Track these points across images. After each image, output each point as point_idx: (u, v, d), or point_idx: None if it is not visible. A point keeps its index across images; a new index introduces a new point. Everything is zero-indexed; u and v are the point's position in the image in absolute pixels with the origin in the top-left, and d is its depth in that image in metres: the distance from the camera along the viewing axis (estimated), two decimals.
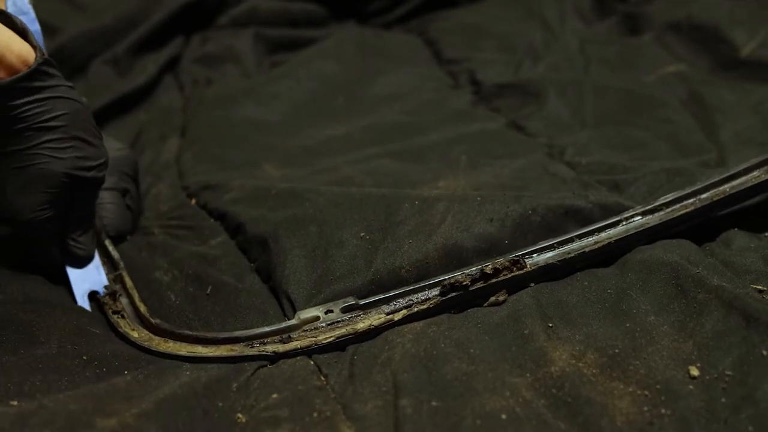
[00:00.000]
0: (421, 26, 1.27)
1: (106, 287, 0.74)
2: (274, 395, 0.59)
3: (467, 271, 0.68)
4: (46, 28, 1.12)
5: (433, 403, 0.56)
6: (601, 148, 0.90)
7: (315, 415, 0.56)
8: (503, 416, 0.55)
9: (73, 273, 0.75)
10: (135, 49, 1.13)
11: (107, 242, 0.78)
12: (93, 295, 0.74)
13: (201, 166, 0.93)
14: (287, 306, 0.71)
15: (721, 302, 0.62)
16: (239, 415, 0.57)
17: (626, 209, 0.74)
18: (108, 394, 0.58)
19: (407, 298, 0.68)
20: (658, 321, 0.63)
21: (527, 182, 0.83)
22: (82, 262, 0.75)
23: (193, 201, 0.88)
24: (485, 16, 1.26)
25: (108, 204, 0.80)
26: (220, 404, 0.59)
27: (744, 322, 0.60)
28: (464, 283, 0.67)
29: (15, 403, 0.57)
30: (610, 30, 1.19)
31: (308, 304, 0.70)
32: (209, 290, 0.73)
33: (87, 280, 0.74)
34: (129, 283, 0.74)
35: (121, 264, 0.76)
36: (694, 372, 0.58)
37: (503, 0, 1.31)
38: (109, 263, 0.77)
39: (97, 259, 0.76)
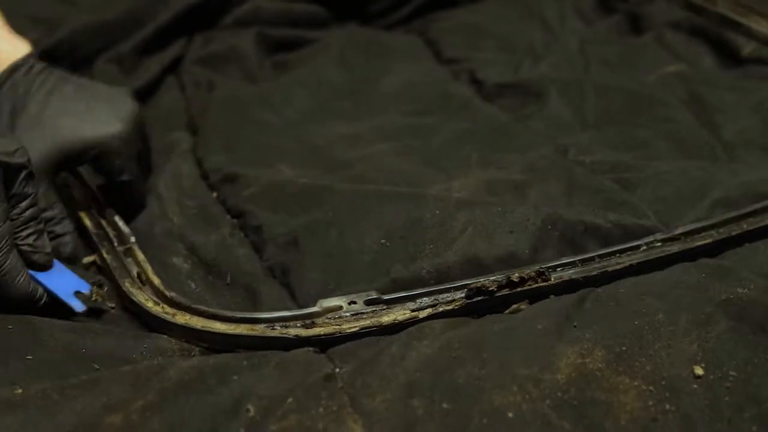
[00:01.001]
0: (421, 26, 1.27)
1: (92, 283, 0.71)
2: (282, 385, 0.58)
3: (493, 277, 0.68)
4: (45, 23, 1.12)
5: (445, 405, 0.56)
6: (602, 147, 0.91)
7: (321, 409, 0.56)
8: (510, 414, 0.55)
9: (45, 278, 0.69)
10: (141, 49, 1.13)
11: (116, 217, 0.77)
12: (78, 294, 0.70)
13: (218, 162, 0.93)
14: (304, 306, 0.70)
15: (728, 315, 0.63)
16: (248, 406, 0.57)
17: (645, 231, 0.75)
18: (114, 383, 0.58)
19: (432, 298, 0.68)
20: (666, 320, 0.63)
21: (538, 179, 0.84)
22: (44, 268, 0.69)
23: (215, 194, 0.88)
24: (485, 16, 1.26)
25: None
26: (232, 378, 0.58)
27: (750, 332, 0.61)
28: (490, 288, 0.67)
29: (20, 390, 0.57)
30: (611, 30, 1.19)
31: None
32: (228, 280, 0.73)
33: (64, 282, 0.70)
34: (141, 256, 0.73)
35: (132, 238, 0.75)
36: (699, 371, 0.58)
37: (503, 0, 1.31)
38: (118, 238, 0.76)
39: (57, 263, 0.71)
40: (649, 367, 0.58)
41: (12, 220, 0.67)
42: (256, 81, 1.12)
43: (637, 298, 0.66)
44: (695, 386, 0.57)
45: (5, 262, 0.66)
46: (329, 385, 0.58)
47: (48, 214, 0.74)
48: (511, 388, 0.57)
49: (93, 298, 0.69)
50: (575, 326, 0.63)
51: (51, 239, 0.72)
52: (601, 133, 0.94)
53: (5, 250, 0.66)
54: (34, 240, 0.68)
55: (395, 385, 0.58)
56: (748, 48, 1.05)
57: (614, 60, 1.10)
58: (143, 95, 1.09)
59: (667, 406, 0.55)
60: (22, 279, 0.67)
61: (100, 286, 0.71)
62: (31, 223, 0.68)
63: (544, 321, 0.64)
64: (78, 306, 0.69)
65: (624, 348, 0.60)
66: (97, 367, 0.63)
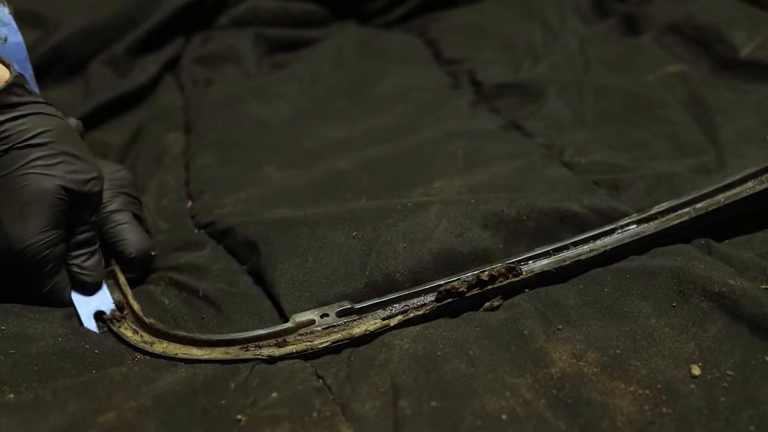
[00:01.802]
0: (421, 26, 1.27)
1: (116, 304, 0.71)
2: (274, 394, 0.58)
3: (463, 277, 0.68)
4: (42, 23, 1.12)
5: (433, 404, 0.56)
6: (601, 147, 0.90)
7: (314, 414, 0.56)
8: (503, 416, 0.54)
9: (76, 295, 0.71)
10: (134, 50, 1.13)
11: None
12: (99, 315, 0.70)
13: (204, 166, 0.93)
14: (281, 307, 0.70)
15: (724, 311, 0.62)
16: (239, 415, 0.57)
17: (621, 215, 0.74)
18: (105, 386, 0.58)
19: (403, 303, 0.68)
20: (660, 323, 0.63)
21: (523, 183, 0.83)
22: (91, 290, 0.71)
23: (190, 203, 0.88)
24: (485, 16, 1.26)
25: (124, 224, 0.76)
26: (220, 403, 0.58)
27: (747, 330, 0.60)
28: (460, 289, 0.67)
29: (12, 396, 0.57)
30: (610, 30, 1.19)
31: (302, 307, 0.69)
32: (201, 294, 0.73)
33: (92, 300, 0.71)
34: (122, 279, 0.73)
35: (113, 261, 0.75)
36: (696, 371, 0.58)
37: (503, 0, 1.31)
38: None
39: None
40: (644, 371, 0.58)
41: (67, 241, 0.69)
42: (253, 80, 1.13)
43: (624, 297, 0.66)
44: (692, 386, 0.56)
45: (51, 283, 0.69)
46: (321, 395, 0.58)
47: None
48: (503, 393, 0.57)
49: (110, 321, 0.70)
50: (560, 328, 0.63)
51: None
52: (599, 133, 0.94)
53: (54, 271, 0.69)
54: (83, 261, 0.71)
55: (383, 390, 0.58)
56: (747, 48, 1.05)
57: (614, 60, 1.10)
58: (141, 95, 1.09)
59: (664, 409, 0.55)
60: (65, 296, 0.70)
61: (120, 308, 0.71)
62: (85, 245, 0.70)
63: (528, 322, 0.63)
64: (94, 330, 0.70)
65: (618, 351, 0.60)
66: (91, 359, 0.63)
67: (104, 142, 0.96)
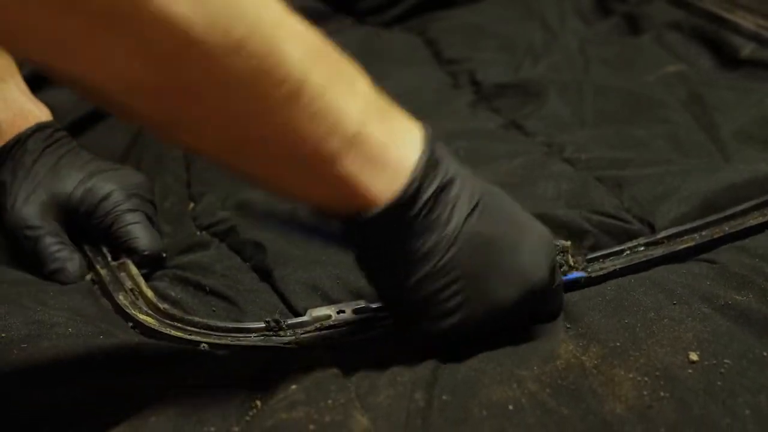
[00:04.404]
0: (420, 26, 1.27)
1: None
2: (292, 383, 0.59)
3: None
4: None
5: (444, 397, 0.57)
6: (600, 146, 0.91)
7: (330, 401, 0.57)
8: (510, 407, 0.56)
9: None
10: None
11: None
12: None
13: (205, 167, 0.93)
14: (290, 304, 0.71)
15: (727, 317, 0.63)
16: (257, 401, 0.57)
17: (628, 234, 0.75)
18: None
19: None
20: (659, 316, 0.63)
21: (525, 180, 0.83)
22: None
23: (191, 205, 0.88)
24: (485, 16, 1.26)
25: (137, 224, 0.77)
26: (241, 392, 0.59)
27: (747, 329, 0.61)
28: None
29: None
30: (610, 30, 1.19)
31: (314, 304, 0.69)
32: (208, 289, 0.73)
33: None
34: (134, 270, 0.74)
35: (123, 255, 0.76)
36: (694, 357, 0.58)
37: (503, 0, 1.31)
38: (111, 253, 0.77)
39: None
40: (642, 360, 0.59)
41: None
42: None
43: (626, 293, 0.66)
44: (690, 371, 0.57)
45: None
46: (338, 382, 0.59)
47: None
48: (510, 385, 0.58)
49: None
50: (568, 327, 0.64)
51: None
52: (599, 133, 0.94)
53: None
54: None
55: (399, 381, 0.59)
56: (747, 49, 1.05)
57: (614, 60, 1.10)
58: None
59: (662, 393, 0.56)
60: None
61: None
62: None
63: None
64: None
65: (618, 344, 0.61)
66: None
67: (105, 145, 0.96)
